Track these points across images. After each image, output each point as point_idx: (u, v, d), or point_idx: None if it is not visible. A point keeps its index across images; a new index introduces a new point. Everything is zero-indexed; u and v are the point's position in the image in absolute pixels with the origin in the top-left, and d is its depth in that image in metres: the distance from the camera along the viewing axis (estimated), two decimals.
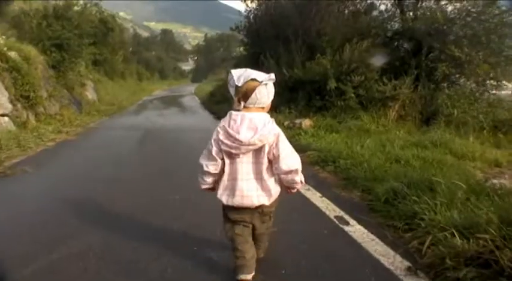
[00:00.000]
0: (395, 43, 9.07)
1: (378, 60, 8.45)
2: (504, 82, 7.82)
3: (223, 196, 2.14)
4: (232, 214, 2.18)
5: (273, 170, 2.12)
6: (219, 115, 12.89)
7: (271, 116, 2.12)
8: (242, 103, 2.03)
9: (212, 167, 2.13)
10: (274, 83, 2.10)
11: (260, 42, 13.43)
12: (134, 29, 65.04)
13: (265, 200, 2.12)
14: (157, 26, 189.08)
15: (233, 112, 2.06)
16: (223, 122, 2.07)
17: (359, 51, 8.69)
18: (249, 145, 2.00)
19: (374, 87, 8.39)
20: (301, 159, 2.15)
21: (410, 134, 6.96)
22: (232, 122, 2.03)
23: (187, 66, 77.27)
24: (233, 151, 2.04)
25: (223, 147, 2.05)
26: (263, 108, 2.09)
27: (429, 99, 8.10)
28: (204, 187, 2.25)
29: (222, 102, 15.61)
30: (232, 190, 2.11)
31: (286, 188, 2.22)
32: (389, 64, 8.65)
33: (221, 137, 2.04)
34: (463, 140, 6.10)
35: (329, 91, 8.96)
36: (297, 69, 10.02)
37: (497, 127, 7.32)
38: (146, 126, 10.42)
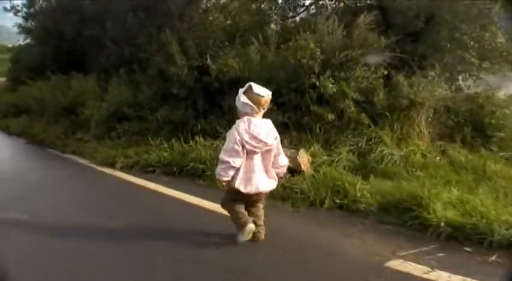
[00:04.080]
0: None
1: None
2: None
3: (241, 185, 2.71)
4: (247, 197, 2.78)
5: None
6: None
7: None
8: (262, 111, 2.74)
9: (238, 163, 2.69)
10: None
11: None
12: None
13: (274, 185, 2.89)
14: None
15: (252, 118, 2.70)
16: (244, 125, 2.68)
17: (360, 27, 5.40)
18: (270, 145, 2.74)
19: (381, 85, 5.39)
20: None
21: None
22: (253, 127, 2.67)
23: None
24: (257, 150, 2.71)
25: (248, 146, 2.66)
26: None
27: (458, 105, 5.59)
28: (226, 179, 2.73)
29: (18, 113, 9.96)
30: (248, 180, 2.72)
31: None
32: None
33: (246, 138, 2.65)
34: None
35: (303, 97, 5.38)
36: (231, 60, 5.93)
37: None
38: None
